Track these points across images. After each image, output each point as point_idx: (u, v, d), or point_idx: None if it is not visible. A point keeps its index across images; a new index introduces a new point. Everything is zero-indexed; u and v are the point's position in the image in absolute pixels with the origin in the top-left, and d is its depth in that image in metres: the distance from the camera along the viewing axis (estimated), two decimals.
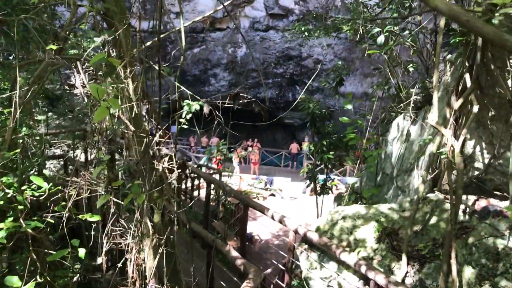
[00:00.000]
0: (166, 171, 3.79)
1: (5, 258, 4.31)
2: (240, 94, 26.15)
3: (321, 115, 9.32)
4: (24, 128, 6.08)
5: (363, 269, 5.10)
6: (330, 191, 10.10)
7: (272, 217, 6.61)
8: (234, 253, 5.22)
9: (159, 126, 3.85)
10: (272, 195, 20.93)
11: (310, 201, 18.90)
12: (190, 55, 32.87)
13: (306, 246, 6.13)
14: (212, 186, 9.10)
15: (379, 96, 8.11)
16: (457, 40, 5.29)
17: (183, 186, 15.24)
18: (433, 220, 5.60)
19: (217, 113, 4.62)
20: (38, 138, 6.14)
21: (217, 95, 32.79)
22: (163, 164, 3.74)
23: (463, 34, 5.32)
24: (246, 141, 26.66)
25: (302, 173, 10.09)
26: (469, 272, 4.90)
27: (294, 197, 20.54)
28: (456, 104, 5.37)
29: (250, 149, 25.04)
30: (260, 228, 14.98)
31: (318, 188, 9.83)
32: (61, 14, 7.41)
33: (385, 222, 5.79)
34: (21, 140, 5.44)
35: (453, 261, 4.80)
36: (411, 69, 7.23)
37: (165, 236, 4.10)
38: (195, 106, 11.53)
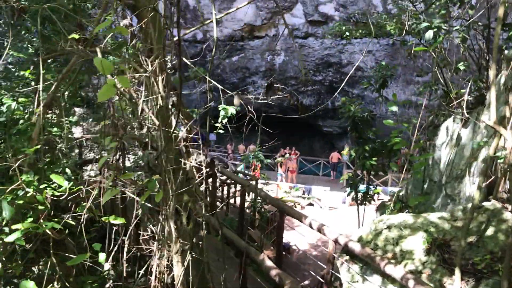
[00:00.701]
0: (194, 170, 3.47)
1: (22, 262, 4.08)
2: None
3: (363, 118, 8.82)
4: (55, 129, 5.93)
5: (411, 283, 4.60)
6: (372, 200, 9.55)
7: (310, 225, 6.18)
8: (269, 263, 4.84)
9: (186, 121, 3.54)
10: (310, 204, 20.39)
11: (350, 211, 18.26)
12: (228, 63, 32.92)
13: (347, 257, 5.67)
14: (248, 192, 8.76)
15: (426, 98, 7.55)
16: None
17: (219, 194, 15.03)
18: (490, 231, 5.04)
19: (249, 108, 4.23)
20: (69, 139, 5.97)
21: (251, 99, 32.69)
22: (191, 162, 3.42)
23: None
24: (283, 149, 26.20)
25: (342, 180, 9.58)
26: None
27: (334, 207, 19.94)
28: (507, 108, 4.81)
29: (287, 155, 24.58)
30: (297, 237, 14.52)
31: (359, 197, 9.30)
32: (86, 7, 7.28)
33: (435, 232, 5.26)
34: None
35: None
36: (462, 68, 6.66)
37: (193, 241, 3.76)
38: (231, 110, 11.24)
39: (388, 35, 30.62)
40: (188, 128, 3.53)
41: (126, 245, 3.64)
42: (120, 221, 3.81)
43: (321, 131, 33.98)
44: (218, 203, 15.32)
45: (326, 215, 18.57)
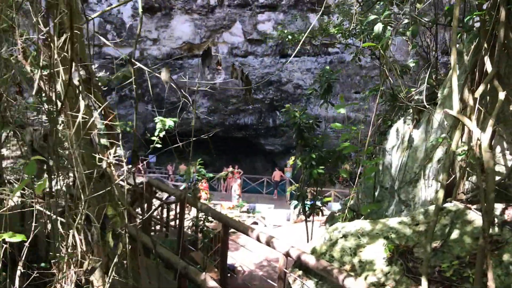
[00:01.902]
0: (113, 169, 2.71)
1: None
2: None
3: (309, 125, 8.35)
4: None
5: None
6: (320, 213, 9.04)
7: (258, 239, 5.49)
8: (212, 283, 4.09)
9: (98, 103, 2.78)
10: (255, 223, 19.99)
11: (295, 228, 17.90)
12: (167, 82, 31.90)
13: (300, 272, 5.02)
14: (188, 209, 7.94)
15: (376, 103, 7.17)
16: (474, 16, 4.41)
17: (157, 215, 14.04)
18: (455, 234, 4.57)
19: (183, 92, 3.55)
20: None
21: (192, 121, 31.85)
22: (108, 157, 2.65)
23: (481, 9, 4.45)
24: (226, 168, 25.53)
25: (289, 191, 8.99)
26: None
27: (278, 225, 19.55)
28: (477, 92, 4.43)
29: (230, 174, 23.96)
30: (244, 258, 13.82)
31: (306, 210, 8.76)
32: None
33: (396, 239, 4.74)
34: None
35: (491, 283, 3.76)
36: (411, 64, 6.35)
37: (116, 260, 2.97)
38: (169, 122, 10.42)
39: (326, 53, 31.11)
40: (103, 112, 2.78)
41: (20, 268, 2.78)
42: (18, 238, 2.95)
43: (263, 149, 33.66)
44: (158, 226, 14.31)
45: (271, 233, 18.00)
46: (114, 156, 2.77)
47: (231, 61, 31.30)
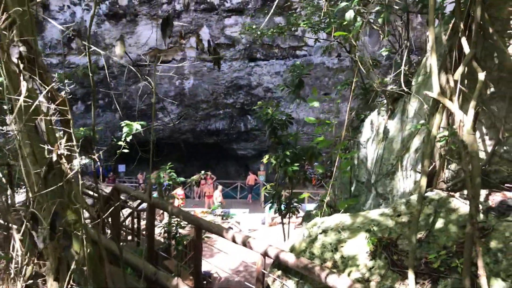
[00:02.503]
0: (64, 161, 2.36)
1: None
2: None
3: (282, 122, 8.09)
4: None
5: None
6: (296, 212, 8.78)
7: (234, 240, 5.17)
8: None
9: (44, 85, 2.42)
10: (230, 228, 19.56)
11: (270, 231, 17.72)
12: (135, 90, 31.32)
13: (279, 272, 4.72)
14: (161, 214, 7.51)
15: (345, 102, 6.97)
16: None
17: (127, 224, 13.54)
18: (440, 223, 4.37)
19: (137, 71, 3.22)
20: None
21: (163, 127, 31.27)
22: (59, 148, 2.30)
23: None
24: (198, 173, 25.02)
25: (264, 191, 8.72)
26: (499, 287, 3.67)
27: (253, 229, 19.26)
28: (456, 74, 4.25)
29: (203, 181, 23.52)
30: (219, 264, 13.49)
31: (282, 209, 8.47)
32: None
33: (378, 231, 4.50)
34: None
35: (481, 271, 3.55)
36: (384, 53, 6.15)
37: (72, 266, 2.61)
38: (136, 126, 9.95)
39: (294, 56, 31.05)
40: (48, 95, 2.43)
41: None
42: None
43: (235, 154, 33.34)
44: (130, 236, 13.78)
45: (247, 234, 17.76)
46: (66, 146, 2.42)
47: (199, 66, 30.97)
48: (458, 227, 4.27)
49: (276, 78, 31.54)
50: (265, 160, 8.48)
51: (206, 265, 9.29)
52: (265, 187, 8.63)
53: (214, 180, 25.27)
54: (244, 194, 25.84)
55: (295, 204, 8.56)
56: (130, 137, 9.95)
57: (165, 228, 9.65)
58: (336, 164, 6.63)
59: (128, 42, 30.12)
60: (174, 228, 9.31)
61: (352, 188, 7.15)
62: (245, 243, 4.93)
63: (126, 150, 10.90)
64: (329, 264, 4.47)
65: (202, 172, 25.47)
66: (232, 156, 34.08)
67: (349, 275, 4.26)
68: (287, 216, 8.54)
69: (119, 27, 30.37)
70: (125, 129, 9.87)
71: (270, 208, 8.75)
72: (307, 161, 8.13)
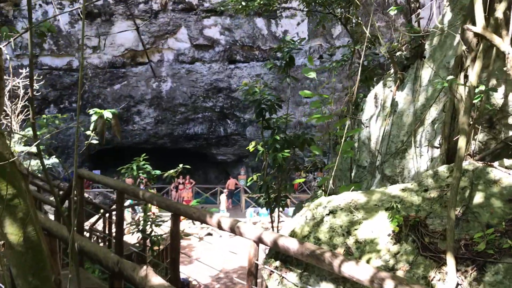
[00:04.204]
0: None
1: None
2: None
3: (270, 104, 7.18)
4: None
5: (389, 286, 2.82)
6: (286, 207, 7.85)
7: (220, 226, 4.20)
8: (156, 280, 2.77)
9: None
10: (209, 234, 18.81)
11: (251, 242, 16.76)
12: (110, 92, 30.04)
13: (277, 263, 3.77)
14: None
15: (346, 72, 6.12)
16: None
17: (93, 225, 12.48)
18: (479, 198, 3.50)
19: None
20: None
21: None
22: None
23: None
24: (177, 178, 23.95)
25: (250, 181, 7.77)
26: None
27: (234, 235, 18.28)
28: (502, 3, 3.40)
29: (181, 185, 22.51)
30: (197, 272, 12.67)
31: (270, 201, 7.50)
32: None
33: (402, 210, 3.60)
34: None
35: None
36: (392, 13, 5.29)
37: None
38: (107, 114, 8.90)
39: (275, 58, 30.31)
40: None
41: None
42: None
43: (215, 160, 32.30)
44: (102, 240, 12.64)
45: (227, 243, 16.90)
46: None
47: (177, 68, 29.96)
48: (503, 201, 3.41)
49: (259, 81, 30.68)
50: (251, 147, 7.55)
51: (185, 272, 8.35)
52: (251, 177, 7.69)
53: (193, 185, 24.27)
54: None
55: (286, 195, 7.63)
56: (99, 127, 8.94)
57: (139, 227, 8.59)
58: (334, 148, 5.73)
59: (102, 43, 28.93)
60: (148, 226, 8.27)
61: (352, 175, 6.27)
62: (233, 229, 3.96)
63: (95, 141, 9.82)
64: (340, 251, 3.54)
65: (181, 180, 24.51)
66: (211, 161, 33.07)
67: (367, 263, 3.34)
68: (275, 211, 7.59)
69: (93, 27, 29.15)
70: (93, 117, 8.84)
71: (257, 201, 7.80)
72: (299, 148, 7.24)
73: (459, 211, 3.47)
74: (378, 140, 5.79)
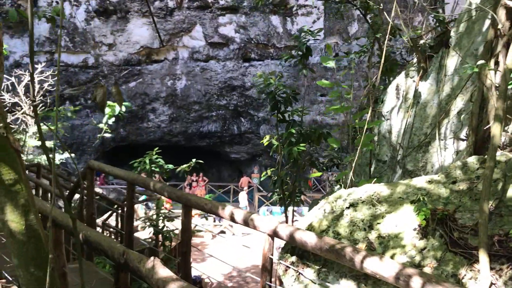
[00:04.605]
0: None
1: None
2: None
3: (286, 96, 6.95)
4: None
5: (416, 283, 2.58)
6: (301, 203, 7.61)
7: (232, 218, 3.99)
8: (164, 272, 2.57)
9: None
10: (222, 232, 18.69)
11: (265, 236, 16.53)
12: (125, 90, 30.05)
13: (293, 258, 3.55)
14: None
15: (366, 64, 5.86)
16: None
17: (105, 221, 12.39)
18: None
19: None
20: None
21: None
22: None
23: None
24: (190, 176, 23.88)
25: (264, 176, 7.54)
26: None
27: (247, 233, 18.15)
28: None
29: (194, 183, 22.39)
30: (211, 269, 12.52)
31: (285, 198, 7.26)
32: None
33: (429, 202, 3.35)
34: None
35: None
36: None
37: None
38: (118, 108, 8.75)
39: (290, 56, 30.03)
40: None
41: None
42: None
43: (228, 158, 32.12)
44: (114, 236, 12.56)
45: (240, 242, 16.71)
46: None
47: (192, 66, 29.87)
48: None
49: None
50: (265, 141, 7.32)
51: (197, 270, 8.19)
52: (264, 172, 7.46)
53: (206, 183, 24.16)
54: (237, 197, 24.69)
55: (300, 191, 7.39)
56: (113, 119, 8.82)
57: (151, 222, 8.42)
58: (353, 141, 5.49)
59: (118, 40, 28.93)
60: (160, 221, 8.09)
61: (372, 170, 6.01)
62: (247, 221, 3.74)
63: (108, 135, 9.70)
64: (361, 246, 3.31)
65: (194, 177, 24.41)
66: (225, 159, 32.92)
67: (391, 259, 3.10)
68: (290, 206, 7.34)
69: (109, 24, 29.17)
70: (106, 110, 8.72)
71: (271, 196, 7.56)
72: (314, 143, 7.00)
73: (492, 205, 3.21)
74: (400, 133, 5.53)
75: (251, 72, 29.93)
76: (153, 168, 8.65)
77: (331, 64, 5.23)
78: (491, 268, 2.83)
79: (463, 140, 4.47)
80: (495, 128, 3.10)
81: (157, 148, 8.75)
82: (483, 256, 2.81)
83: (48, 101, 17.38)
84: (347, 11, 8.13)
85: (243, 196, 21.07)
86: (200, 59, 29.55)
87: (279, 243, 6.13)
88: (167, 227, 8.31)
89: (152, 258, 2.68)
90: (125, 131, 29.91)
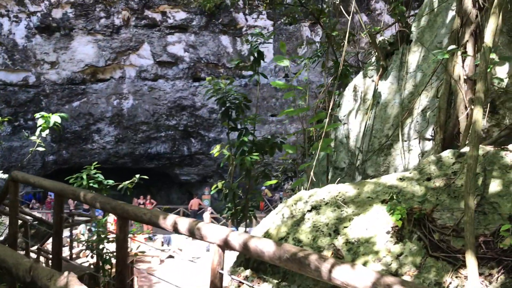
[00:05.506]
0: None
1: None
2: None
3: (238, 102, 6.47)
4: None
5: None
6: (254, 217, 7.07)
7: (175, 227, 3.37)
8: None
9: None
10: (171, 256, 17.75)
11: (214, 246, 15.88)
12: (68, 110, 28.61)
13: (247, 272, 3.00)
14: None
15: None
16: None
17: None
18: (496, 186, 2.87)
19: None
20: None
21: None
22: None
23: None
24: (137, 198, 22.82)
25: (215, 188, 6.94)
26: None
27: (197, 257, 17.36)
28: None
29: (141, 206, 21.30)
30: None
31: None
32: None
33: (402, 202, 2.91)
34: None
35: None
36: None
37: None
38: (55, 118, 8.17)
39: (240, 76, 29.74)
40: None
41: None
42: None
43: (178, 180, 31.18)
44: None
45: (189, 267, 15.85)
46: None
47: (139, 85, 29.02)
48: None
49: None
50: (215, 151, 6.77)
51: None
52: (215, 185, 6.89)
53: (154, 205, 23.14)
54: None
55: (253, 206, 6.85)
56: (47, 131, 8.05)
57: (88, 244, 7.58)
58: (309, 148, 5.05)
59: (61, 58, 27.69)
60: (98, 241, 7.27)
61: (329, 178, 5.60)
62: (192, 231, 3.15)
63: (41, 149, 8.84)
64: (327, 254, 2.81)
65: (141, 200, 23.34)
66: (174, 181, 31.92)
67: (364, 266, 2.61)
68: (243, 221, 6.77)
69: (52, 41, 27.91)
70: (40, 121, 7.95)
71: (222, 212, 6.99)
72: (268, 153, 6.53)
73: (474, 201, 2.83)
74: (359, 137, 5.15)
75: (201, 92, 29.38)
76: (91, 185, 7.89)
77: (286, 63, 4.81)
78: (480, 274, 2.41)
79: (429, 139, 4.14)
80: (476, 113, 2.73)
81: (96, 163, 8.00)
82: (470, 260, 2.38)
83: None
84: (296, 22, 7.81)
85: (206, 216, 20.27)
86: (148, 78, 28.79)
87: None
88: (107, 249, 7.51)
89: (66, 273, 2.07)
90: (68, 153, 28.45)
